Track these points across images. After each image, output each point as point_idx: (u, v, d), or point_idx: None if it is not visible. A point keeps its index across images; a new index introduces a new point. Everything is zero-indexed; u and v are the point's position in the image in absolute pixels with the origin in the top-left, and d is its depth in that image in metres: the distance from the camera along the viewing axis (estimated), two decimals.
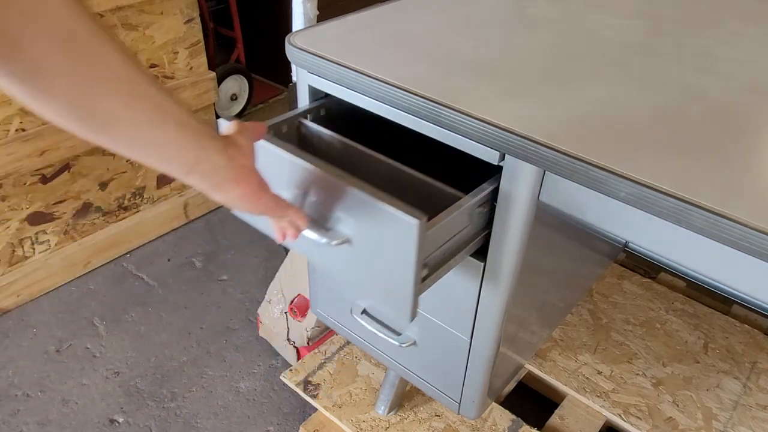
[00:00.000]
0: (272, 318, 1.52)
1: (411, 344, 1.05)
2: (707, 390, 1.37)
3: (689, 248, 0.66)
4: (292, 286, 1.49)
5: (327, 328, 1.47)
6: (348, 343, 1.43)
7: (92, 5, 1.50)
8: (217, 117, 2.48)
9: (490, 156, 0.77)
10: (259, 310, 1.56)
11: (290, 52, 0.91)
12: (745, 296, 1.59)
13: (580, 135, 0.72)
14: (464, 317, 0.94)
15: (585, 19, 1.06)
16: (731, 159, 0.69)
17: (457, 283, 0.91)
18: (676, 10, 1.13)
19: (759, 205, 0.61)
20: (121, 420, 1.40)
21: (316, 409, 1.31)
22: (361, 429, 1.25)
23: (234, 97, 2.60)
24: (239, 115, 2.65)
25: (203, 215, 2.06)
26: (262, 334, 1.59)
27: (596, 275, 1.57)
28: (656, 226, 0.68)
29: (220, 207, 2.10)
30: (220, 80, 2.47)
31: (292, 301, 1.48)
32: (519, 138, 0.72)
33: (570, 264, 1.18)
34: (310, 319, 1.45)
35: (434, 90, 0.80)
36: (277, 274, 1.52)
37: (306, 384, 1.33)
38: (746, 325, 1.54)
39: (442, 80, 0.83)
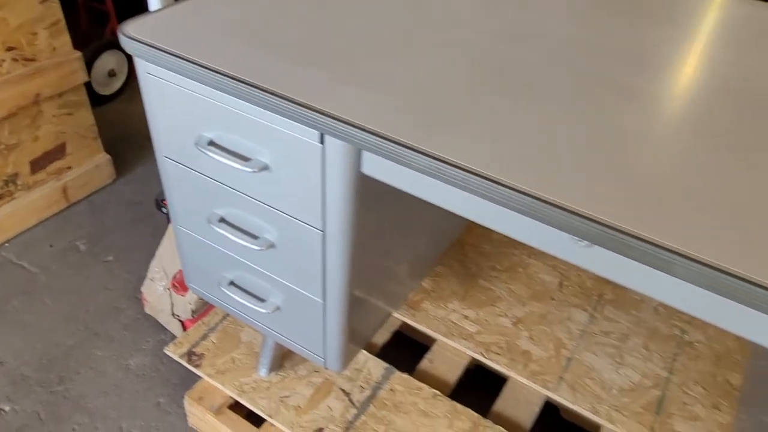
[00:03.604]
0: (156, 295, 1.56)
1: (276, 310, 1.13)
2: (559, 323, 1.54)
3: (495, 216, 0.76)
4: (172, 262, 1.53)
5: None
6: None
7: None
8: (94, 94, 2.42)
9: (311, 136, 0.84)
10: (143, 288, 1.60)
11: (124, 42, 0.94)
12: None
13: (393, 114, 0.80)
14: (314, 281, 1.02)
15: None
16: (522, 128, 0.79)
17: (304, 251, 0.99)
18: None
19: (526, 171, 0.71)
20: (7, 408, 1.41)
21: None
22: (244, 391, 1.33)
23: (112, 73, 2.53)
24: (120, 91, 2.59)
25: (85, 197, 2.03)
26: (148, 311, 1.62)
27: (461, 226, 1.68)
28: (456, 195, 0.77)
29: (104, 188, 2.08)
30: (95, 57, 2.40)
31: (174, 277, 1.52)
32: (334, 120, 0.79)
33: (423, 223, 1.28)
34: (193, 293, 1.50)
35: (263, 77, 0.85)
36: (157, 252, 1.56)
37: (190, 355, 1.39)
38: None
39: (271, 66, 0.88)
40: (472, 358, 1.46)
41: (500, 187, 0.69)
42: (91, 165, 2.03)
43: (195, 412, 1.35)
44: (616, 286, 1.65)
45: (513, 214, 0.73)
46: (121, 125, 2.40)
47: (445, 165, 0.72)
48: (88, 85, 2.35)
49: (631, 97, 0.87)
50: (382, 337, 1.50)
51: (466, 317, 1.53)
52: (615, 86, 0.89)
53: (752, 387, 1.27)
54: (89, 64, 2.35)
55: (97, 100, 2.46)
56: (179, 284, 1.51)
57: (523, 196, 0.68)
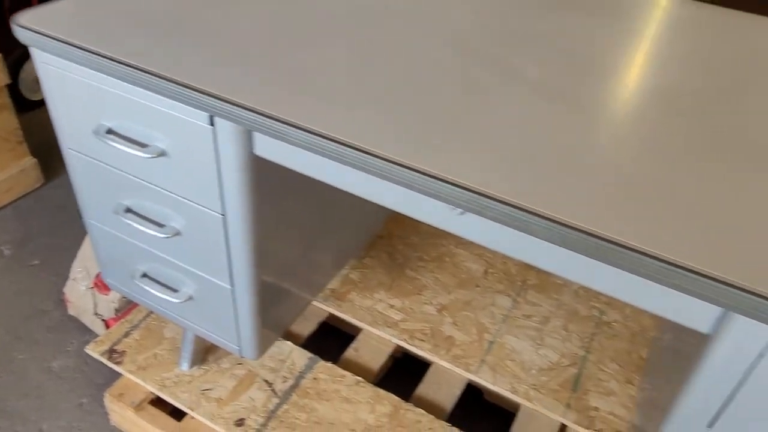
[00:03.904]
0: (78, 295, 1.54)
1: (188, 299, 1.13)
2: (483, 309, 1.57)
3: (377, 189, 0.79)
4: (95, 262, 1.51)
5: None
6: None
7: None
8: (23, 99, 2.37)
9: (201, 118, 0.85)
10: (65, 289, 1.58)
11: (17, 32, 0.94)
12: None
13: (281, 94, 0.81)
14: (221, 268, 1.03)
15: None
16: (411, 112, 0.82)
17: (208, 236, 1.00)
18: None
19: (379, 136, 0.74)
20: None
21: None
22: (165, 386, 1.32)
23: None
24: None
25: (11, 202, 1.99)
26: (71, 312, 1.60)
27: (382, 217, 1.68)
28: (342, 171, 0.80)
29: (30, 192, 2.04)
30: (23, 61, 2.35)
31: (96, 276, 1.51)
32: (219, 101, 0.80)
33: (336, 211, 1.30)
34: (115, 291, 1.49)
35: (150, 60, 0.86)
36: (79, 252, 1.54)
37: (111, 352, 1.38)
38: None
39: (159, 50, 0.89)
40: (398, 346, 1.48)
41: (370, 157, 0.71)
42: (16, 169, 1.99)
43: (116, 409, 1.33)
44: (539, 272, 1.70)
45: (390, 185, 0.76)
46: (50, 130, 2.35)
47: (320, 138, 0.75)
48: (16, 90, 2.32)
49: (515, 77, 0.91)
50: (307, 328, 1.51)
51: (391, 306, 1.55)
52: (505, 65, 0.93)
53: (657, 359, 1.32)
54: (16, 69, 2.31)
55: (26, 105, 2.41)
56: (101, 283, 1.49)
57: (394, 166, 0.70)
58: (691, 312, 0.66)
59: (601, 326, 1.55)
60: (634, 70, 0.97)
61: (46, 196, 2.04)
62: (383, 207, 1.62)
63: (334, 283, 1.59)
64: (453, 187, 0.68)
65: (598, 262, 0.63)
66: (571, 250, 0.64)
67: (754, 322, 0.61)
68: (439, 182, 0.68)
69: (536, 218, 0.64)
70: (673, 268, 0.59)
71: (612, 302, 1.62)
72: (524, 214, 0.64)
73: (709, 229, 0.65)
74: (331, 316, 1.56)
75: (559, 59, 0.97)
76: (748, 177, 0.73)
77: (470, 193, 0.68)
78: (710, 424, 0.70)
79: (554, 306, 1.60)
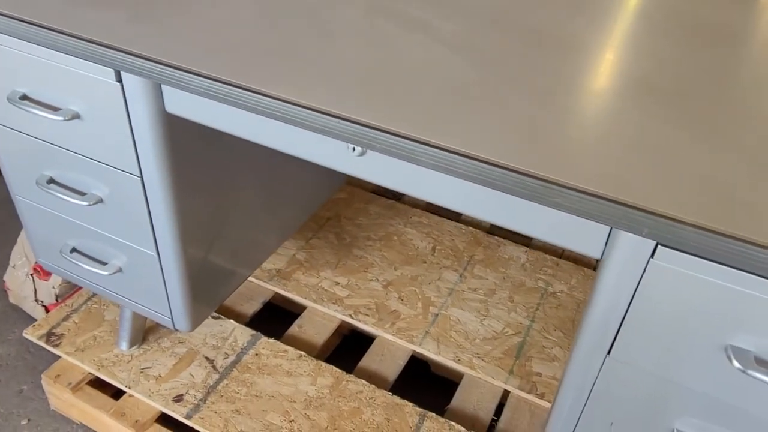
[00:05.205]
0: (18, 282, 1.52)
1: (118, 271, 1.12)
2: (429, 284, 1.58)
3: (282, 136, 0.79)
4: None
5: None
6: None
7: None
8: None
9: (107, 74, 0.85)
10: (5, 277, 1.55)
11: None
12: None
13: (188, 49, 0.81)
14: (145, 234, 1.03)
15: None
16: (315, 62, 0.82)
17: (129, 201, 0.99)
18: None
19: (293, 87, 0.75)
20: None
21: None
22: (103, 366, 1.31)
23: None
24: None
25: None
26: (12, 300, 1.58)
27: (324, 197, 1.67)
28: (246, 120, 0.80)
29: None
30: None
31: (36, 262, 1.49)
32: (129, 56, 0.80)
33: (268, 182, 1.29)
34: (57, 277, 1.47)
35: (53, 18, 0.85)
36: (19, 238, 1.52)
37: (49, 336, 1.36)
38: (471, 227, 1.78)
39: (69, 12, 0.88)
40: (344, 322, 1.48)
41: (263, 97, 0.72)
42: None
43: (53, 392, 1.31)
44: (487, 248, 1.71)
45: (292, 130, 0.76)
46: None
47: (219, 83, 0.75)
48: None
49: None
50: (252, 308, 1.50)
51: (337, 284, 1.55)
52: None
53: None
54: None
55: None
56: (41, 269, 1.47)
57: (280, 103, 0.71)
58: (581, 236, 0.67)
59: (547, 297, 1.57)
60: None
61: None
62: (322, 184, 1.62)
63: (280, 264, 1.59)
64: (340, 120, 0.68)
65: (486, 188, 0.64)
66: (456, 176, 0.64)
67: (637, 238, 0.62)
68: (329, 117, 0.69)
69: (421, 146, 0.65)
70: (549, 185, 0.60)
71: (558, 274, 1.64)
72: (408, 142, 0.65)
73: (574, 140, 0.66)
74: (277, 297, 1.55)
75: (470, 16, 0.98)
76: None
77: (356, 125, 0.68)
78: (609, 350, 0.71)
79: (500, 279, 1.61)
